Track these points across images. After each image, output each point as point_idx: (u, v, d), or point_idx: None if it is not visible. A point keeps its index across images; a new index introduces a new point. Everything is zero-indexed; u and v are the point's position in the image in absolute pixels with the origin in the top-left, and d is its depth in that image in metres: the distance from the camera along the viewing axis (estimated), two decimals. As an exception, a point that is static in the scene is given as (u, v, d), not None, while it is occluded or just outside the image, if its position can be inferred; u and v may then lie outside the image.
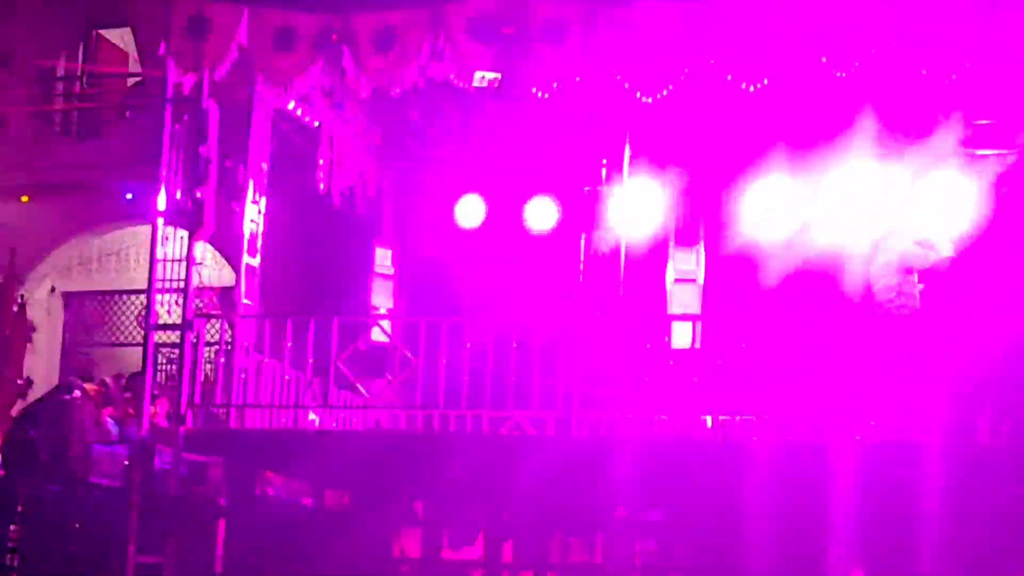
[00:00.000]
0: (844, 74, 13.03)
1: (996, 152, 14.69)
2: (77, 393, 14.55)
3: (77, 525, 13.21)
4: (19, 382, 20.69)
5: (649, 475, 12.23)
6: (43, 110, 21.86)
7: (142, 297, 13.85)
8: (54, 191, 21.01)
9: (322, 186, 15.34)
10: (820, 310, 13.87)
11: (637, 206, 14.61)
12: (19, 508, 13.41)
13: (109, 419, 15.68)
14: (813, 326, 12.94)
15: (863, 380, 12.56)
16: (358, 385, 13.82)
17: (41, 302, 21.63)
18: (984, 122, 14.63)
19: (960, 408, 11.56)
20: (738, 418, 13.17)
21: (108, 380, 14.50)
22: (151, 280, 13.40)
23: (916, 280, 13.91)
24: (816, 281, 15.24)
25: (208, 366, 14.61)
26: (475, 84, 13.97)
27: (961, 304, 12.72)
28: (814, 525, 11.93)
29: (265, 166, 14.17)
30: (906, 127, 14.76)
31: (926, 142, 14.75)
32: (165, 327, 13.58)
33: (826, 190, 15.04)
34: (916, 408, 12.15)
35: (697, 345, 13.96)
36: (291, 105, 14.46)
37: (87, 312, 22.03)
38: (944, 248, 14.03)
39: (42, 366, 21.29)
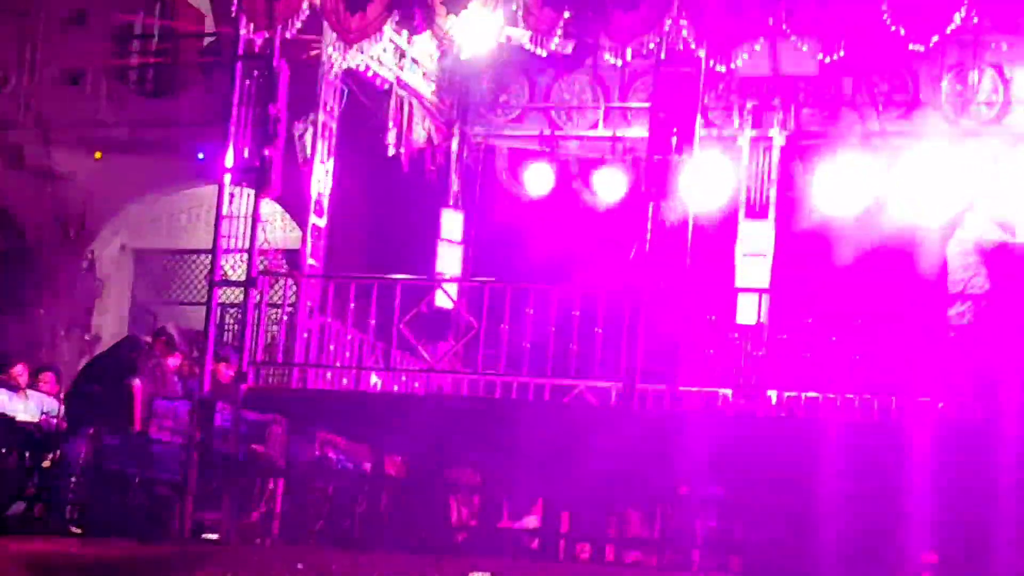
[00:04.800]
0: (921, 47, 12.81)
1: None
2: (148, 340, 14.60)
3: (136, 479, 13.24)
4: (87, 338, 20.82)
5: (712, 450, 12.08)
6: (119, 67, 21.91)
7: (211, 256, 13.79)
8: (127, 148, 21.05)
9: (391, 149, 15.26)
10: (893, 288, 13.66)
11: (707, 177, 14.44)
12: (80, 461, 13.45)
13: (175, 376, 15.71)
14: (885, 304, 12.74)
15: (935, 359, 12.37)
16: (420, 349, 13.76)
17: (111, 259, 21.72)
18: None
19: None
20: (804, 395, 13.01)
21: (172, 330, 14.45)
22: (216, 237, 13.38)
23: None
24: (890, 259, 15.03)
25: (273, 327, 14.59)
26: (549, 49, 13.84)
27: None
28: (882, 506, 11.76)
29: (334, 126, 14.11)
30: (985, 104, 14.48)
31: (1006, 121, 14.49)
32: (229, 283, 13.61)
33: (902, 167, 14.81)
34: (989, 389, 11.95)
35: (764, 320, 13.77)
36: (362, 66, 14.37)
37: (156, 270, 22.10)
38: (1022, 230, 13.76)
39: (110, 323, 21.40)
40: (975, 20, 12.40)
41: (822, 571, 11.03)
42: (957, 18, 12.12)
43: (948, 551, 12.04)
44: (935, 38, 12.71)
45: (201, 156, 19.90)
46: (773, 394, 13.36)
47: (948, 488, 11.56)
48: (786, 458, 12.12)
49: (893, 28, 12.36)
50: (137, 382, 13.62)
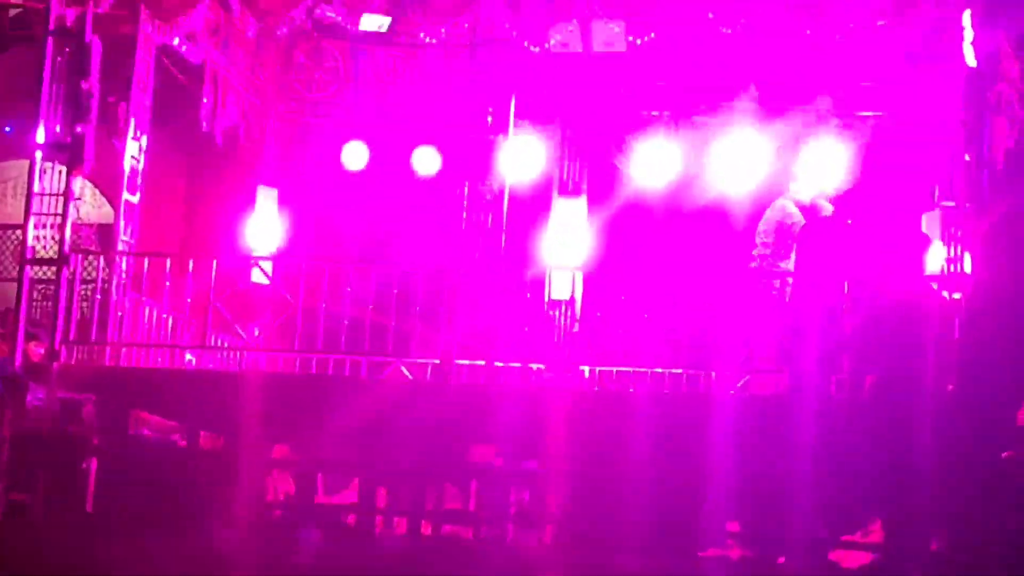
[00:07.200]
0: (730, 31, 13.16)
1: (874, 114, 14.88)
2: None
3: (-55, 460, 12.99)
4: None
5: (526, 425, 12.27)
6: (-80, 38, 21.33)
7: (19, 232, 13.60)
8: (-72, 121, 20.50)
9: (205, 125, 15.19)
10: (702, 265, 14.00)
11: (522, 155, 14.63)
12: None
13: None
14: (694, 280, 13.04)
15: (739, 335, 12.71)
16: (236, 327, 13.73)
17: (-89, 234, 21.16)
18: (867, 84, 14.80)
19: (828, 364, 11.71)
20: (615, 370, 13.28)
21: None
22: (27, 214, 13.21)
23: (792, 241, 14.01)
24: (699, 236, 15.38)
25: (84, 304, 14.42)
26: (364, 28, 13.88)
27: (834, 265, 12.85)
28: (690, 477, 12.04)
29: (147, 103, 14.00)
30: (789, 87, 14.91)
31: (807, 103, 14.92)
32: (40, 262, 13.40)
33: (711, 145, 15.17)
34: (789, 363, 12.30)
35: (577, 296, 14.03)
36: (176, 42, 14.27)
37: (-39, 246, 21.58)
38: (823, 209, 14.13)
39: (-88, 299, 20.84)
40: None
41: (633, 540, 11.29)
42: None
43: (750, 520, 12.42)
44: (743, 21, 13.08)
45: (8, 130, 19.52)
46: (586, 369, 13.65)
47: (751, 459, 11.89)
48: (598, 431, 12.35)
49: (704, 14, 12.66)
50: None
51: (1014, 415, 11.46)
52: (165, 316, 13.76)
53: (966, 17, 12.56)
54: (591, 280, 13.90)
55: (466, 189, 12.79)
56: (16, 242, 20.27)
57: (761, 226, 13.95)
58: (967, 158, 12.67)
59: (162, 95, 14.31)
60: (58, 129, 13.21)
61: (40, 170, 13.26)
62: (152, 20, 13.68)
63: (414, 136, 16.09)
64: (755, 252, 13.91)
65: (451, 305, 12.61)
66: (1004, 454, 11.34)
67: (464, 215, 12.74)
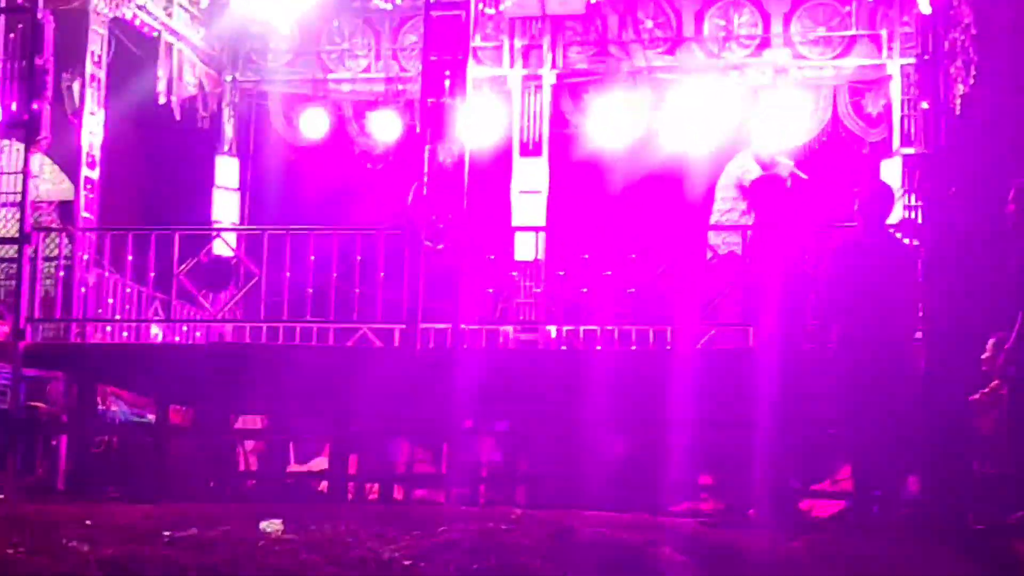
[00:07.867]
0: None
1: (833, 64, 14.91)
2: None
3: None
4: None
5: (494, 386, 12.30)
6: None
7: (-21, 213, 13.57)
8: None
9: (162, 98, 15.13)
10: (664, 222, 14.03)
11: (481, 118, 14.61)
12: None
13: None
14: (657, 239, 13.06)
15: (702, 291, 12.76)
16: (201, 299, 13.72)
17: None
18: (822, 34, 14.84)
19: (791, 318, 11.75)
20: (582, 328, 13.31)
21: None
22: (-14, 193, 13.18)
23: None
24: (661, 193, 15.42)
25: (48, 281, 14.39)
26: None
27: (794, 218, 12.89)
28: (661, 433, 12.09)
29: (103, 77, 13.95)
30: (746, 38, 14.94)
31: (765, 54, 14.94)
32: (1, 241, 13.38)
33: (669, 101, 15.19)
34: (752, 318, 12.35)
35: (541, 257, 14.06)
36: (129, 15, 14.20)
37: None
38: (783, 163, 14.18)
39: None
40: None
41: (606, 497, 11.33)
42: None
43: (720, 472, 12.50)
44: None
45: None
46: (552, 329, 13.68)
47: (720, 412, 11.96)
48: (567, 390, 12.36)
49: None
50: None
51: (980, 359, 11.55)
52: (129, 291, 13.72)
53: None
54: (554, 240, 13.91)
55: (426, 152, 12.72)
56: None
57: (721, 181, 14.02)
58: (924, 105, 12.70)
59: (118, 69, 14.26)
60: (14, 107, 13.13)
61: (-2, 148, 13.24)
62: (104, -8, 13.64)
63: (373, 101, 16.05)
64: (716, 207, 13.98)
65: (414, 269, 12.58)
66: (971, 397, 11.43)
67: (425, 178, 12.68)
